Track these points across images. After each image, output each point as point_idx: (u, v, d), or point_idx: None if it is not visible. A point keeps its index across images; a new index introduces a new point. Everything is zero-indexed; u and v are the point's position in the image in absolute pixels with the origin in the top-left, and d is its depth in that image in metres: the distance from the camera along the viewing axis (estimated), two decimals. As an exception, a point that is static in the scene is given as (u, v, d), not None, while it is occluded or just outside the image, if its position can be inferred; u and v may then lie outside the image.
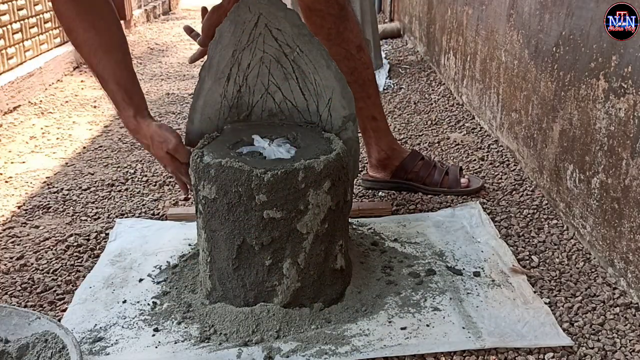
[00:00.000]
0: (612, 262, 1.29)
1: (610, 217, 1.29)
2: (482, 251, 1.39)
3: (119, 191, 1.80)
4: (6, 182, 1.89)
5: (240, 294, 1.15)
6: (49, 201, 1.73)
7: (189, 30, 1.49)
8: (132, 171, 1.95)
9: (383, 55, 3.36)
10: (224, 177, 1.09)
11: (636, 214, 1.19)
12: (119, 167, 1.99)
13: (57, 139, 2.30)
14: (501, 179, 1.81)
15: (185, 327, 1.14)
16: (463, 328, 1.12)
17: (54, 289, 1.30)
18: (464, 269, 1.32)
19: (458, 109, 2.49)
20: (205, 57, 1.24)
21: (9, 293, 1.29)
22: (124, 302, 1.22)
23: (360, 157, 1.50)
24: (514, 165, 1.89)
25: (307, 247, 1.13)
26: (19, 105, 2.65)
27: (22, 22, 2.93)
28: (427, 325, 1.13)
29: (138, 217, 1.62)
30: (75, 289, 1.28)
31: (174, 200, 1.72)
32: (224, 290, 1.17)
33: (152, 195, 1.76)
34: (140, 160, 2.04)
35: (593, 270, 1.33)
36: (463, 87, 2.54)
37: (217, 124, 1.28)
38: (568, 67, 1.49)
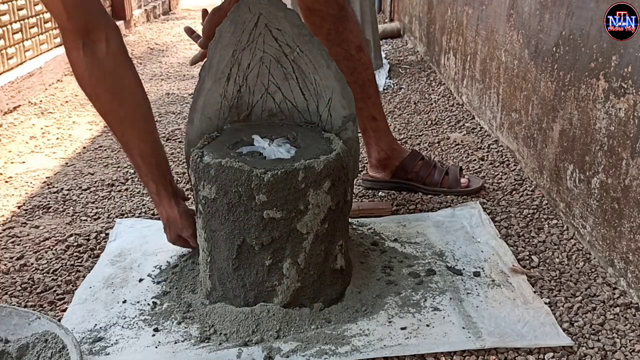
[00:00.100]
0: (612, 262, 1.29)
1: (610, 217, 1.29)
2: (482, 251, 1.39)
3: (119, 191, 1.80)
4: (6, 182, 1.89)
5: (240, 294, 1.15)
6: (49, 201, 1.73)
7: (189, 32, 1.49)
8: (132, 171, 1.95)
9: (383, 55, 3.36)
10: (224, 177, 1.09)
11: (636, 214, 1.19)
12: (119, 167, 1.99)
13: (57, 139, 2.30)
14: (501, 179, 1.81)
15: (185, 327, 1.14)
16: (463, 328, 1.12)
17: (54, 289, 1.30)
18: (464, 269, 1.32)
19: (458, 109, 2.49)
20: (206, 58, 1.24)
21: (9, 293, 1.29)
22: (124, 302, 1.22)
23: (360, 157, 1.50)
24: (514, 165, 1.89)
25: (307, 247, 1.13)
26: (19, 105, 2.65)
27: (22, 22, 2.93)
28: (427, 325, 1.13)
29: (138, 217, 1.62)
30: (75, 289, 1.28)
31: (174, 200, 1.72)
32: (224, 290, 1.17)
33: (152, 195, 1.76)
34: (140, 160, 2.04)
35: (593, 270, 1.33)
36: (463, 87, 2.54)
37: (217, 124, 1.28)
38: (568, 67, 1.49)
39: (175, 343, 1.10)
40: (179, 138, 2.27)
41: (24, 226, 1.60)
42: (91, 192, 1.80)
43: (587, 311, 1.19)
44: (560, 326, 1.12)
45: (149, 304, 1.22)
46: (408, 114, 2.47)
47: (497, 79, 2.09)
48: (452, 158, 1.99)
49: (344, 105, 1.25)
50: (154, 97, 2.89)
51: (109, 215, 1.64)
